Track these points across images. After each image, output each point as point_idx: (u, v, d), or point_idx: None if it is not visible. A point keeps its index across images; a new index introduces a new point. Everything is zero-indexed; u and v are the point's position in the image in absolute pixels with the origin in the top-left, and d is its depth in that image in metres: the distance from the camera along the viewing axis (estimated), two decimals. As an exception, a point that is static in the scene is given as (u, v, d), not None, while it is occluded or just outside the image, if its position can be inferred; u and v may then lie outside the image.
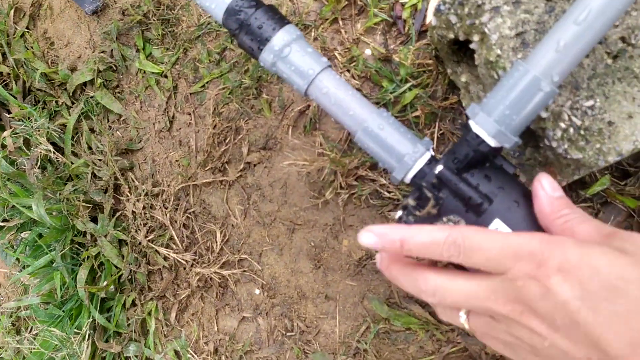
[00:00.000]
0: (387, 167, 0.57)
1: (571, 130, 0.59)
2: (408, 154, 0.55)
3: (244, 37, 0.58)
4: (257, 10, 0.58)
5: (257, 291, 0.86)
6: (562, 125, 0.59)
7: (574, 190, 0.75)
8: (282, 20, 0.58)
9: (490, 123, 0.51)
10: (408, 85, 0.78)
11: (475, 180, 0.53)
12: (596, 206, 0.75)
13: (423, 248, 0.42)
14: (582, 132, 0.59)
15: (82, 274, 0.98)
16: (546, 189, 0.47)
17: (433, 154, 0.57)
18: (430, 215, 0.53)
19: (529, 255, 0.36)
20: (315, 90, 0.58)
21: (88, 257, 0.98)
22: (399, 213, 0.55)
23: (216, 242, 0.88)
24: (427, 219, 0.54)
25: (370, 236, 0.43)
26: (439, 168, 0.53)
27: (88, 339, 0.98)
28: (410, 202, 0.55)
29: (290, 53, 0.57)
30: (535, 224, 0.52)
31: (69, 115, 1.00)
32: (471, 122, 0.53)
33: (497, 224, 0.51)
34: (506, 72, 0.55)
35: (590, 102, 0.59)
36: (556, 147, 0.61)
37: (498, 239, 0.38)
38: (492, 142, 0.51)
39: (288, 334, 0.85)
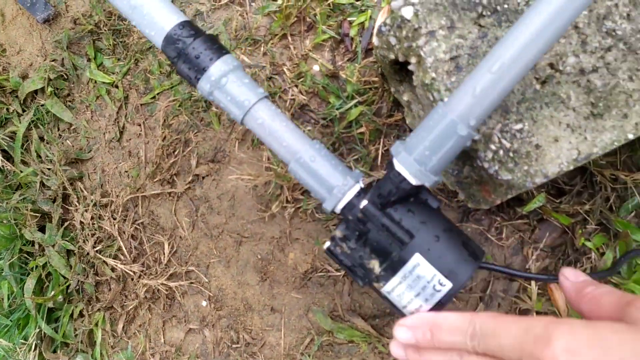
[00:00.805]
0: (319, 198, 0.59)
1: (501, 152, 0.61)
2: (337, 186, 0.57)
3: (182, 65, 0.59)
4: (195, 40, 0.59)
5: (204, 303, 0.87)
6: (493, 147, 0.61)
7: (512, 207, 0.77)
8: (220, 50, 0.59)
9: (411, 162, 0.53)
10: (354, 102, 0.79)
11: (398, 215, 0.55)
12: (532, 223, 0.77)
13: (450, 337, 0.43)
14: (511, 154, 0.61)
15: (30, 283, 0.97)
16: (569, 278, 0.48)
17: (363, 186, 0.59)
18: (355, 249, 0.56)
19: (535, 338, 0.35)
20: (250, 120, 0.59)
21: (36, 266, 0.97)
22: (328, 244, 0.57)
23: (164, 254, 0.88)
24: (352, 251, 0.56)
25: (404, 330, 0.46)
26: (364, 203, 0.55)
27: (35, 350, 0.96)
28: (338, 234, 0.57)
29: (227, 83, 0.58)
30: (451, 259, 0.55)
31: (19, 123, 0.99)
32: (394, 160, 0.55)
33: (417, 258, 0.53)
34: (430, 110, 0.56)
35: (519, 126, 0.61)
36: (487, 167, 0.63)
37: (510, 324, 0.38)
38: (413, 181, 0.54)
39: (234, 345, 0.85)
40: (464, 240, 0.58)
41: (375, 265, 0.56)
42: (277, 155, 0.62)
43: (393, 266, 0.55)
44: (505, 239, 0.78)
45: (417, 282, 0.55)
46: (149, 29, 0.60)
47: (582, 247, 0.76)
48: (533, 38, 0.50)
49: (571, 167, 0.61)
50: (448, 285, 0.55)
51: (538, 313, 0.76)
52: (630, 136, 0.61)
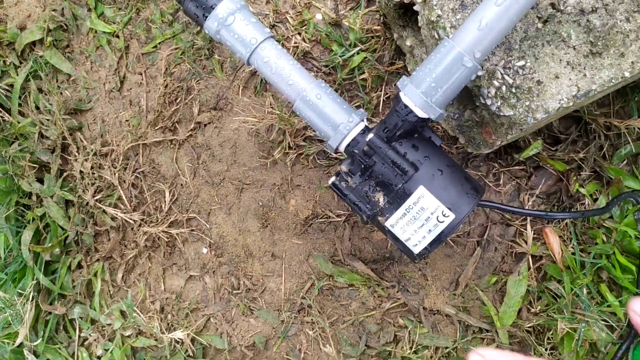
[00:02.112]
0: (323, 136, 0.61)
1: (504, 88, 0.63)
2: (343, 123, 0.59)
3: (190, 4, 0.60)
4: None
5: (205, 250, 0.87)
6: (496, 83, 0.63)
7: (509, 154, 0.79)
8: None
9: (417, 95, 0.55)
10: (356, 49, 0.81)
11: (403, 148, 0.57)
12: (529, 170, 0.79)
13: None
14: (513, 90, 0.62)
15: (27, 235, 0.97)
16: (636, 311, 0.47)
17: (367, 124, 0.60)
18: (360, 182, 0.57)
19: None
20: (256, 58, 0.60)
21: (33, 218, 0.97)
22: (332, 179, 0.58)
23: (165, 202, 0.88)
24: (357, 185, 0.57)
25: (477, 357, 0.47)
26: (370, 136, 0.57)
27: (32, 301, 0.96)
28: (343, 168, 0.58)
29: (234, 22, 0.59)
30: (454, 192, 0.56)
31: (17, 74, 0.98)
32: (401, 94, 0.56)
33: (421, 190, 0.55)
34: (437, 45, 0.58)
35: (521, 62, 0.63)
36: (490, 104, 0.65)
37: None
38: (420, 113, 0.55)
39: (234, 292, 0.86)
40: (466, 175, 0.60)
41: (379, 198, 0.57)
42: (282, 95, 0.63)
43: (397, 198, 0.56)
44: (502, 185, 0.80)
45: (420, 213, 0.57)
46: None
47: (577, 194, 0.79)
48: None
49: (570, 104, 0.63)
50: (451, 216, 0.57)
51: (533, 257, 0.79)
52: (627, 74, 0.63)
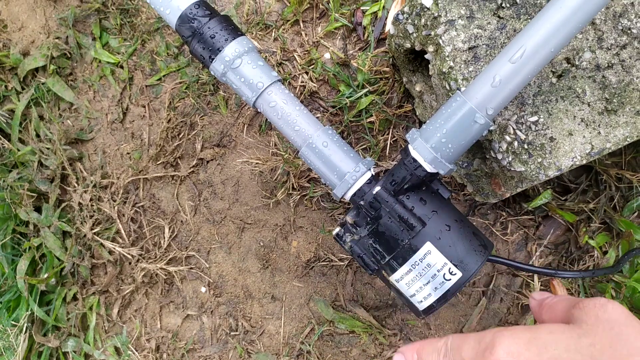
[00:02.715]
0: (329, 184, 0.59)
1: (515, 143, 0.61)
2: (349, 172, 0.57)
3: (196, 45, 0.58)
4: (210, 20, 0.58)
5: (204, 289, 0.85)
6: (508, 138, 0.61)
7: (517, 202, 0.77)
8: (235, 31, 0.58)
9: (427, 149, 0.53)
10: (364, 91, 0.79)
11: (410, 202, 0.55)
12: (537, 219, 0.78)
13: (430, 356, 0.47)
14: (525, 146, 0.61)
15: (23, 264, 0.95)
16: (535, 297, 0.50)
17: (373, 173, 0.58)
18: (365, 235, 0.55)
19: (485, 347, 0.39)
20: (263, 103, 0.59)
21: (30, 247, 0.95)
22: (337, 229, 0.57)
23: (164, 238, 0.86)
24: (362, 238, 0.55)
25: (399, 356, 0.51)
26: (377, 189, 0.55)
27: (25, 332, 0.94)
28: (349, 220, 0.56)
29: (241, 64, 0.58)
30: (462, 249, 0.55)
31: (18, 100, 0.96)
32: (410, 147, 0.55)
33: (428, 246, 0.53)
34: (446, 100, 0.57)
35: (534, 118, 0.61)
36: (501, 159, 0.63)
37: (470, 338, 0.42)
38: (429, 168, 0.54)
39: (232, 333, 0.84)
40: (474, 231, 0.58)
41: (385, 253, 0.55)
42: (287, 140, 0.61)
43: (403, 254, 0.54)
44: (510, 234, 0.78)
45: (427, 270, 0.55)
46: (164, 7, 0.59)
47: (586, 245, 0.77)
48: (554, 30, 0.50)
49: (584, 162, 0.62)
50: (458, 274, 0.55)
51: (540, 309, 0.77)
52: (643, 133, 0.62)
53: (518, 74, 0.52)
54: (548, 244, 0.78)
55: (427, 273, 0.55)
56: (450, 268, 0.55)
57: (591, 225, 0.77)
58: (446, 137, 0.54)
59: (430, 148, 0.54)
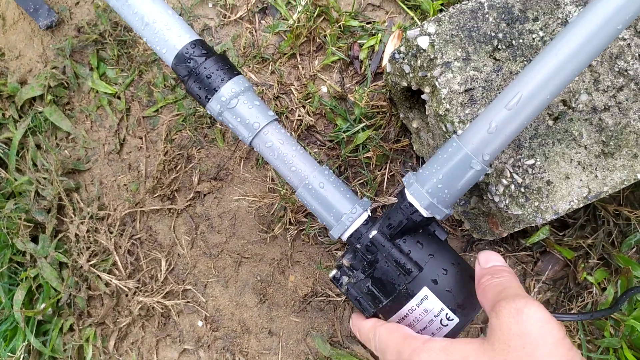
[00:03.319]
0: (325, 224, 0.59)
1: (512, 187, 0.61)
2: (346, 214, 0.57)
3: (193, 84, 0.58)
4: (207, 59, 0.58)
5: (200, 323, 0.85)
6: (504, 181, 0.61)
7: (515, 238, 0.77)
8: (231, 71, 0.58)
9: (423, 195, 0.53)
10: (361, 125, 0.79)
11: (407, 246, 0.55)
12: (535, 255, 0.77)
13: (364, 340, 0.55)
14: (522, 189, 0.60)
15: (20, 295, 0.95)
16: (480, 262, 0.51)
17: (370, 214, 0.58)
18: (361, 279, 0.55)
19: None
20: (259, 142, 0.59)
21: (26, 277, 0.95)
22: (334, 272, 0.56)
23: (161, 271, 0.86)
24: (359, 281, 0.55)
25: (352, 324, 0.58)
26: (373, 233, 0.55)
27: (21, 363, 0.94)
28: (345, 262, 0.56)
29: (237, 104, 0.58)
30: (459, 293, 0.54)
31: (16, 129, 0.96)
32: (406, 191, 0.54)
33: (425, 291, 0.53)
34: (442, 144, 0.57)
35: (531, 161, 0.61)
36: (498, 201, 0.63)
37: (393, 344, 0.48)
38: (425, 213, 0.53)
39: (229, 368, 0.84)
40: (471, 274, 0.58)
41: (382, 296, 0.55)
42: (284, 179, 0.61)
43: (400, 298, 0.54)
44: (507, 270, 0.78)
45: (424, 315, 0.55)
46: (160, 46, 0.59)
47: (584, 282, 0.76)
48: (550, 77, 0.50)
49: (581, 205, 0.61)
50: (455, 320, 0.54)
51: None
52: (640, 176, 0.62)
53: (514, 120, 0.52)
54: (546, 280, 0.78)
55: (424, 318, 0.55)
56: (447, 314, 0.54)
57: (589, 261, 0.76)
58: (442, 183, 0.53)
59: (426, 193, 0.54)
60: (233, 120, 0.59)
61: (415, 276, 0.53)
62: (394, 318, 0.56)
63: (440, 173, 0.54)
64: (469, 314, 0.55)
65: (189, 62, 0.58)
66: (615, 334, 0.74)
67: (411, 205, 0.54)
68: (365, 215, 0.58)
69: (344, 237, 0.58)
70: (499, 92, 0.61)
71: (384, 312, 0.55)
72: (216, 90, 0.58)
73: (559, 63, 0.50)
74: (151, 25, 0.59)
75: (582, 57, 0.49)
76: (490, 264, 0.50)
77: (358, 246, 0.56)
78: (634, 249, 0.77)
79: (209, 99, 0.58)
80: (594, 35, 0.48)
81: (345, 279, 0.57)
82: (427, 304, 0.54)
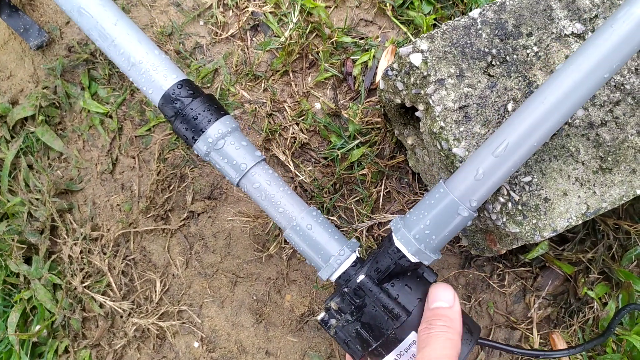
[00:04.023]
0: (314, 265, 0.58)
1: (509, 204, 0.60)
2: (334, 255, 0.56)
3: (179, 125, 0.57)
4: (194, 100, 0.57)
5: (196, 344, 0.84)
6: (501, 199, 0.60)
7: (514, 254, 0.76)
8: (218, 111, 0.58)
9: (410, 240, 0.53)
10: (356, 142, 0.78)
11: (395, 290, 0.54)
12: (535, 270, 0.76)
13: None
14: (519, 207, 0.59)
15: (14, 317, 0.93)
16: (428, 300, 0.53)
17: (359, 255, 0.57)
18: (350, 322, 0.54)
19: None
20: (247, 183, 0.58)
21: (20, 299, 0.93)
22: (322, 314, 0.56)
23: (155, 292, 0.85)
24: (347, 324, 0.54)
25: None
26: (361, 277, 0.54)
27: (16, 387, 0.92)
28: (333, 305, 0.55)
29: (224, 145, 0.57)
30: None
31: (8, 150, 0.95)
32: (394, 236, 0.54)
33: (413, 336, 0.52)
34: (430, 190, 0.56)
35: (528, 178, 0.60)
36: (495, 219, 0.62)
37: None
38: (412, 259, 0.53)
39: (226, 389, 0.82)
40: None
41: (371, 340, 0.54)
42: (272, 220, 0.60)
43: (388, 343, 0.53)
44: (507, 287, 0.77)
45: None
46: (146, 86, 0.59)
47: (585, 296, 0.75)
48: (536, 125, 0.50)
49: (580, 222, 0.60)
50: None
51: (539, 363, 0.75)
52: (639, 192, 0.61)
53: (501, 167, 0.51)
54: (547, 296, 0.77)
55: None
56: None
57: (590, 275, 0.75)
58: (429, 229, 0.53)
59: (413, 239, 0.53)
60: (220, 161, 0.58)
61: (404, 321, 0.52)
62: None
63: (427, 219, 0.53)
64: (459, 358, 0.54)
65: (176, 103, 0.58)
66: (617, 349, 0.73)
67: (399, 250, 0.53)
68: (353, 257, 0.57)
69: (332, 279, 0.57)
70: (494, 109, 0.60)
71: (373, 356, 0.54)
72: (203, 132, 0.57)
73: (546, 111, 0.49)
74: (137, 65, 0.58)
75: (568, 105, 0.49)
76: (435, 304, 0.51)
77: (346, 289, 0.55)
78: (634, 263, 0.76)
79: (195, 139, 0.58)
80: (580, 83, 0.48)
81: (333, 322, 0.56)
82: (415, 348, 0.53)
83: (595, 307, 0.75)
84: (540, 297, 0.76)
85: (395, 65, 0.67)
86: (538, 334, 0.75)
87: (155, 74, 0.58)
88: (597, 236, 0.76)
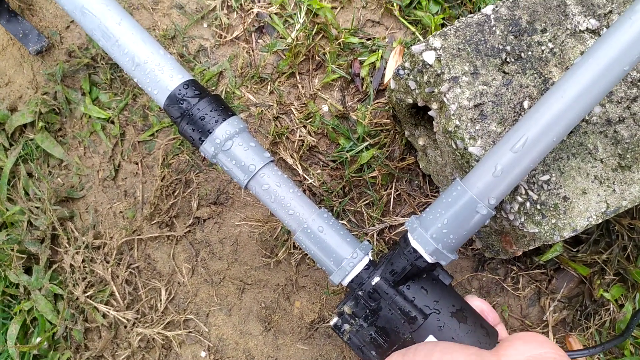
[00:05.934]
0: (325, 269, 0.56)
1: (528, 204, 0.58)
2: (346, 258, 0.54)
3: (186, 126, 0.56)
4: (200, 101, 0.56)
5: (203, 354, 0.81)
6: (519, 198, 0.59)
7: (528, 256, 0.75)
8: (225, 112, 0.56)
9: (427, 240, 0.51)
10: (365, 144, 0.77)
11: (411, 293, 0.52)
12: (549, 272, 0.75)
13: None
14: (538, 206, 0.58)
15: (14, 329, 0.91)
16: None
17: (371, 258, 0.56)
18: (364, 326, 0.52)
19: None
20: (255, 185, 0.56)
21: (20, 311, 0.91)
22: (335, 319, 0.54)
23: (161, 301, 0.82)
24: (361, 329, 0.52)
25: None
26: (376, 280, 0.52)
27: (16, 401, 0.90)
28: (346, 310, 0.53)
29: (232, 146, 0.55)
30: (465, 340, 0.51)
31: (6, 158, 0.93)
32: (409, 236, 0.52)
33: (430, 339, 0.50)
34: (446, 188, 0.54)
35: (546, 177, 0.59)
36: (512, 219, 0.60)
37: None
38: (430, 259, 0.51)
39: (234, 400, 0.80)
40: (476, 319, 0.55)
41: (386, 345, 0.52)
42: (282, 223, 0.58)
43: (405, 347, 0.51)
44: (521, 289, 0.75)
45: None
46: (151, 87, 0.57)
47: (600, 298, 0.74)
48: (555, 119, 0.49)
49: (600, 221, 0.59)
50: None
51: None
52: (659, 189, 0.59)
53: (520, 163, 0.50)
54: (562, 298, 0.75)
55: None
56: None
57: (605, 277, 0.74)
58: (447, 228, 0.51)
59: (430, 238, 0.51)
60: (228, 162, 0.56)
61: (420, 324, 0.51)
62: None
63: (445, 218, 0.51)
64: None
65: (182, 104, 0.56)
66: (636, 352, 0.71)
67: (415, 250, 0.52)
68: (366, 260, 0.55)
69: (345, 283, 0.55)
70: (510, 107, 0.59)
71: None
72: (210, 132, 0.55)
73: (565, 105, 0.48)
74: (142, 65, 0.57)
75: (588, 99, 0.48)
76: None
77: (360, 293, 0.53)
78: (650, 263, 0.74)
79: (202, 141, 0.56)
80: (600, 76, 0.47)
81: (347, 327, 0.54)
82: None
83: (611, 309, 0.73)
84: (555, 300, 0.75)
85: (407, 64, 0.65)
86: (554, 338, 0.73)
87: (160, 74, 0.56)
88: (611, 237, 0.75)
